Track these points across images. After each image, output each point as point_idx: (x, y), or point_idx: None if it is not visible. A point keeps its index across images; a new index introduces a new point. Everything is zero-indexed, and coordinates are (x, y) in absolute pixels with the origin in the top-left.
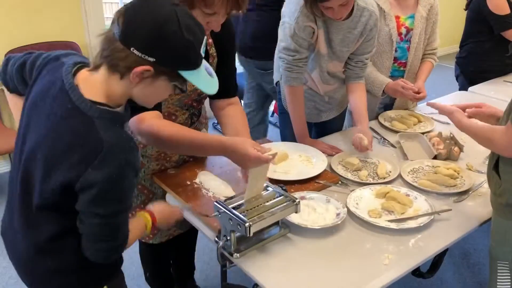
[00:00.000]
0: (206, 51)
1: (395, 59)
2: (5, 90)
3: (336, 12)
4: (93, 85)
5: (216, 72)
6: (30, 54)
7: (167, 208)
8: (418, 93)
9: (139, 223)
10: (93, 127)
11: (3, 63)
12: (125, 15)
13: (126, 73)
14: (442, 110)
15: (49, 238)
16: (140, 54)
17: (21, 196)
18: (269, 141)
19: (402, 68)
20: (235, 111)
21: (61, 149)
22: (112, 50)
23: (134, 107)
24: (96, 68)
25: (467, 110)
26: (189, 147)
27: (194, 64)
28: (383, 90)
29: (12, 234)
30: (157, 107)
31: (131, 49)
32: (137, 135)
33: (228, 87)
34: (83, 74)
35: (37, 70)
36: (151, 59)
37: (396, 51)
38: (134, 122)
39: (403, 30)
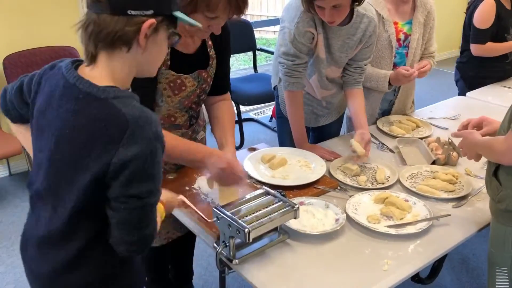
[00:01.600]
0: (207, 53)
1: (394, 64)
2: (9, 121)
3: (328, 15)
4: (97, 74)
5: (215, 72)
6: (25, 76)
7: (170, 195)
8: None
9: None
10: (112, 107)
11: (1, 94)
12: None
13: (133, 40)
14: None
15: (79, 250)
16: (138, 12)
17: (48, 207)
18: (266, 146)
19: None
20: (225, 105)
21: (81, 143)
22: (106, 28)
23: None
24: (92, 59)
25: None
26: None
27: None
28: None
29: (34, 250)
30: (149, 103)
31: (128, 12)
32: None
33: (223, 85)
34: (83, 68)
35: (36, 84)
36: (149, 12)
37: (394, 56)
38: None
39: (402, 36)
